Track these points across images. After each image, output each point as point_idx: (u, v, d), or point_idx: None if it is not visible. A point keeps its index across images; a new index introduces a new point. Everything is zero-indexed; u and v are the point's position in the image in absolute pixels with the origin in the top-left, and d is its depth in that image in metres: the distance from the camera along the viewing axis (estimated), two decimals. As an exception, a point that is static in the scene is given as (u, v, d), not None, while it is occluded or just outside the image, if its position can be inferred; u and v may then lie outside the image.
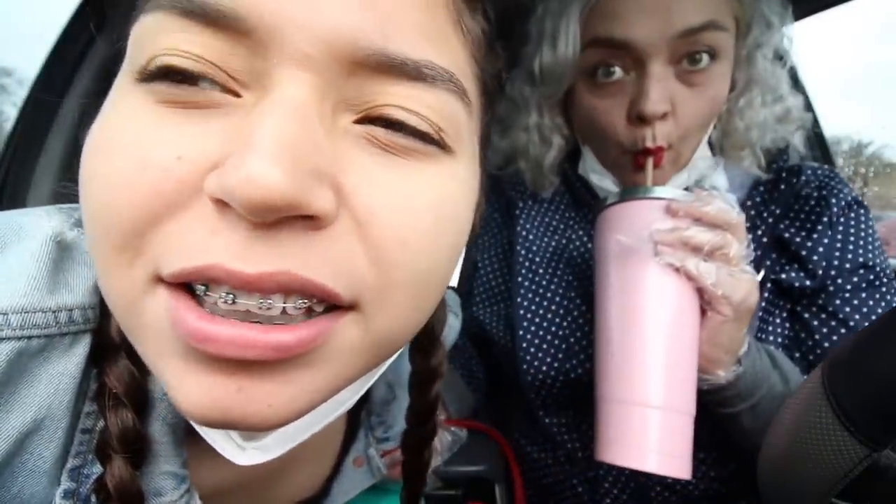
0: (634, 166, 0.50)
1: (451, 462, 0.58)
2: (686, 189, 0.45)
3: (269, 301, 0.19)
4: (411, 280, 0.21)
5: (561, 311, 0.58)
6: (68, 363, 0.24)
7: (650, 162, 0.48)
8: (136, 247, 0.19)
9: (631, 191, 0.42)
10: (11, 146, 0.97)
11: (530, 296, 0.59)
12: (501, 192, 0.69)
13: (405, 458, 0.38)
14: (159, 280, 0.19)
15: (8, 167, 0.96)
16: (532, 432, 0.63)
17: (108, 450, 0.24)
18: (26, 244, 0.24)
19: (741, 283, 0.39)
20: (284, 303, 0.19)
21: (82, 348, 0.25)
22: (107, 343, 0.25)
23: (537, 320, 0.58)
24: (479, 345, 0.75)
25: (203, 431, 0.25)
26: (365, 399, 0.35)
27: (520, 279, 0.60)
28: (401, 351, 0.30)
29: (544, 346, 0.57)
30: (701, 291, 0.39)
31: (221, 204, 0.18)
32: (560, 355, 0.56)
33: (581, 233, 0.61)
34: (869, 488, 0.32)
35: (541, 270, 0.60)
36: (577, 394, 0.56)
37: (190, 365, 0.19)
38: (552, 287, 0.59)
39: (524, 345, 0.57)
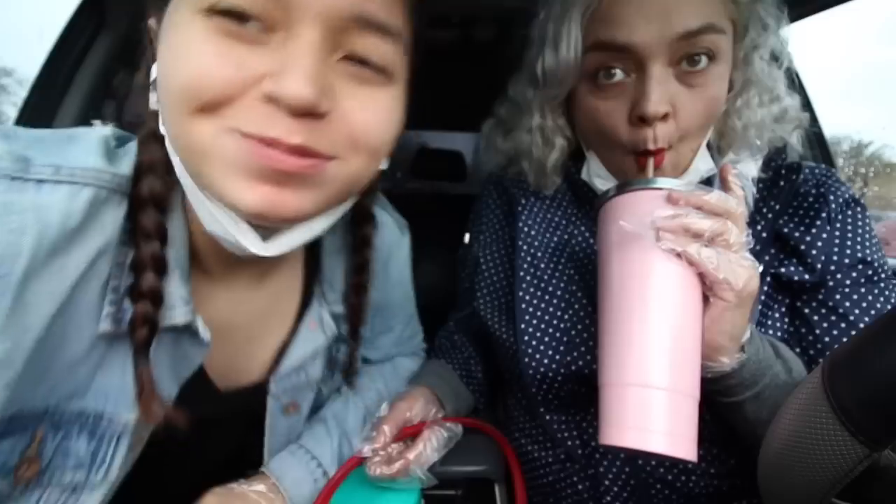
0: (638, 166, 0.51)
1: (450, 462, 0.58)
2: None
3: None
4: (370, 148, 0.36)
5: (562, 305, 0.58)
6: (118, 213, 0.37)
7: (651, 162, 0.49)
8: (211, 111, 0.31)
9: (632, 182, 0.42)
10: (11, 146, 0.97)
11: (532, 290, 0.59)
12: (504, 189, 0.70)
13: (350, 302, 0.54)
14: (234, 130, 0.31)
15: (8, 167, 0.96)
16: (533, 430, 0.63)
17: (141, 268, 0.36)
18: (90, 136, 0.38)
19: (742, 268, 0.39)
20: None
21: (125, 207, 0.37)
22: (141, 200, 0.37)
23: (539, 313, 0.58)
24: (481, 343, 0.75)
25: (238, 236, 0.36)
26: (317, 274, 0.53)
27: (521, 273, 0.61)
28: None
29: (546, 338, 0.57)
30: (703, 277, 0.39)
31: (269, 98, 0.31)
32: (561, 347, 0.56)
33: (583, 228, 0.62)
34: (869, 489, 0.32)
35: (542, 265, 0.61)
36: (578, 388, 0.56)
37: (252, 180, 0.32)
38: (553, 281, 0.60)
39: (526, 337, 0.58)
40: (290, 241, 0.38)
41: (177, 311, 0.39)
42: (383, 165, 0.40)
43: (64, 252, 0.33)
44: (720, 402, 0.46)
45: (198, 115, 0.31)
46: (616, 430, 0.39)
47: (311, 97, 0.30)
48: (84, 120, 1.02)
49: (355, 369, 0.54)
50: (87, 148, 0.36)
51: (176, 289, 0.39)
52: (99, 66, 1.04)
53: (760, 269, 0.41)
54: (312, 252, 0.53)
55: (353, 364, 0.54)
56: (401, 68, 0.37)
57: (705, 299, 0.40)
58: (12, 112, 1.03)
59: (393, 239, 0.61)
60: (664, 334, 0.39)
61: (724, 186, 0.43)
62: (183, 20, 0.31)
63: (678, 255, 0.39)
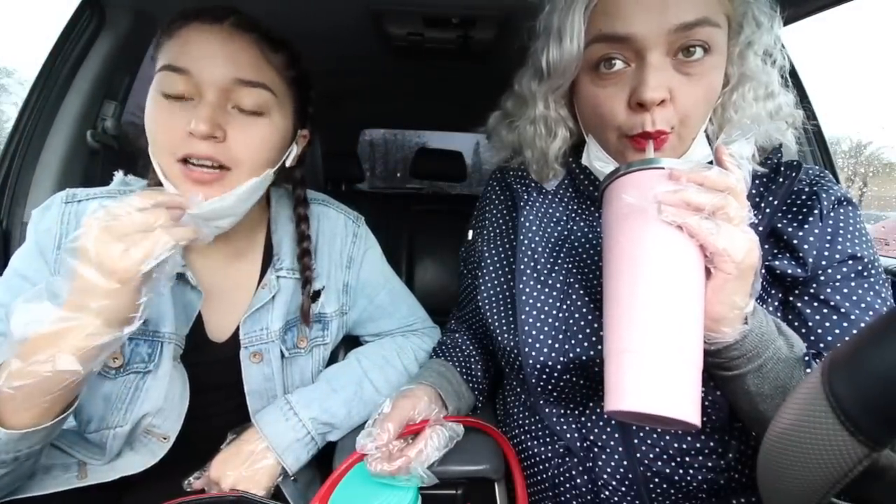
0: (634, 149, 0.52)
1: (451, 461, 0.58)
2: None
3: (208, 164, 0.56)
4: (249, 159, 0.58)
5: (561, 296, 0.59)
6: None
7: (651, 145, 0.50)
8: (168, 150, 0.56)
9: (635, 163, 0.43)
10: (11, 146, 0.97)
11: (532, 282, 0.61)
12: (507, 185, 0.72)
13: (300, 264, 0.71)
14: (177, 159, 0.55)
15: (8, 167, 0.96)
16: (532, 426, 0.64)
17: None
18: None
19: (742, 240, 0.40)
20: (212, 167, 0.56)
21: None
22: None
23: (538, 305, 0.59)
24: (481, 341, 0.75)
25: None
26: (271, 251, 0.71)
27: (522, 267, 0.62)
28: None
29: (545, 328, 0.58)
30: (704, 249, 0.41)
31: (191, 133, 0.54)
32: (560, 336, 0.57)
33: (582, 224, 0.63)
34: (868, 488, 0.32)
35: (542, 259, 0.62)
36: (577, 379, 0.57)
37: (187, 184, 0.55)
38: (553, 274, 0.61)
39: (526, 328, 0.59)
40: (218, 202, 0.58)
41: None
42: (289, 163, 0.65)
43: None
44: (723, 376, 0.46)
45: (164, 154, 0.56)
46: (621, 394, 0.39)
47: (207, 129, 0.53)
48: (84, 120, 1.02)
49: (307, 314, 0.71)
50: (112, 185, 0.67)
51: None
52: (99, 66, 1.04)
53: (759, 254, 0.42)
54: (269, 239, 0.72)
55: (306, 312, 0.71)
56: (274, 105, 0.60)
57: (708, 273, 0.41)
58: (13, 112, 1.03)
59: (339, 226, 0.78)
60: (665, 302, 0.39)
61: (720, 167, 0.44)
62: (151, 100, 0.57)
63: (679, 227, 0.40)
